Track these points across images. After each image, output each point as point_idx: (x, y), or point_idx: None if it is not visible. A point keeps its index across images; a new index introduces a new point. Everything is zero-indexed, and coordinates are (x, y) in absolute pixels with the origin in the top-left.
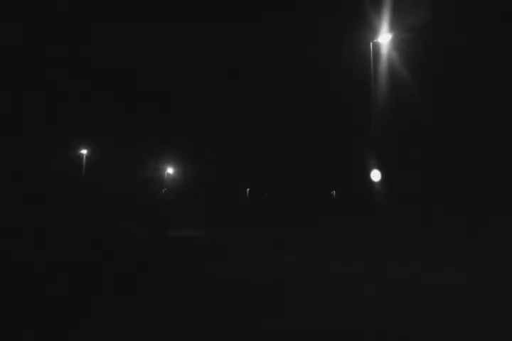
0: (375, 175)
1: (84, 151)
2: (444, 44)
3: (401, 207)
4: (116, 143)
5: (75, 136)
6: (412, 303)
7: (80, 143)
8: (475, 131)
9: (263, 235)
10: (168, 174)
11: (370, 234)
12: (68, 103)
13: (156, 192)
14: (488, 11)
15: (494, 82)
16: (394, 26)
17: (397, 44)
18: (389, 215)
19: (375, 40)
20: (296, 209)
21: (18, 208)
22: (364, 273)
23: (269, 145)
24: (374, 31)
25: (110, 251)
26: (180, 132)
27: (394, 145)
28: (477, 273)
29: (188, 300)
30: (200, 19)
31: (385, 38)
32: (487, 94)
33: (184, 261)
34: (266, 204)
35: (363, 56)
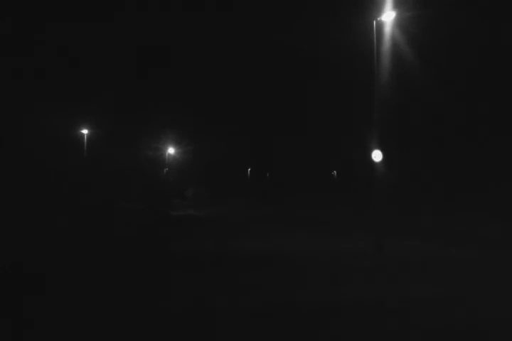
0: (377, 156)
1: (85, 131)
2: (449, 21)
3: (401, 185)
4: (117, 123)
5: (76, 115)
6: (409, 275)
7: (80, 122)
8: (478, 111)
9: (264, 216)
10: (169, 154)
11: (368, 212)
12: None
13: (158, 172)
14: None
15: (498, 61)
16: (398, 4)
17: (401, 22)
18: (389, 194)
19: (378, 19)
20: (296, 189)
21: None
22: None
23: (269, 124)
24: (378, 9)
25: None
26: (181, 110)
27: (395, 124)
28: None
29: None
30: None
31: (388, 16)
32: (491, 73)
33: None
34: (266, 185)
35: (367, 33)
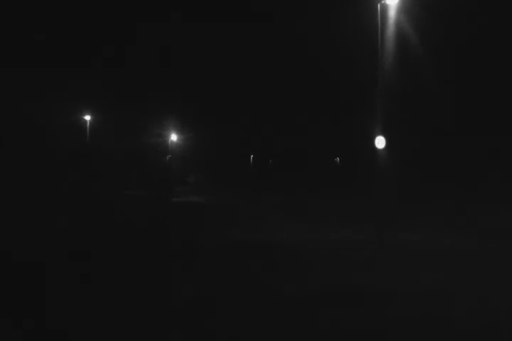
0: (380, 142)
1: (87, 117)
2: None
3: (402, 172)
4: (120, 110)
5: (78, 101)
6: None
7: (82, 108)
8: (483, 99)
9: (264, 204)
10: (172, 141)
11: (371, 200)
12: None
13: (160, 158)
14: None
15: (504, 44)
16: None
17: (406, 5)
18: (391, 182)
19: (382, 2)
20: (298, 176)
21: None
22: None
23: (272, 110)
24: None
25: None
26: (184, 98)
27: (398, 110)
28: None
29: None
30: None
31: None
32: (496, 57)
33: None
34: (269, 172)
35: (371, 16)
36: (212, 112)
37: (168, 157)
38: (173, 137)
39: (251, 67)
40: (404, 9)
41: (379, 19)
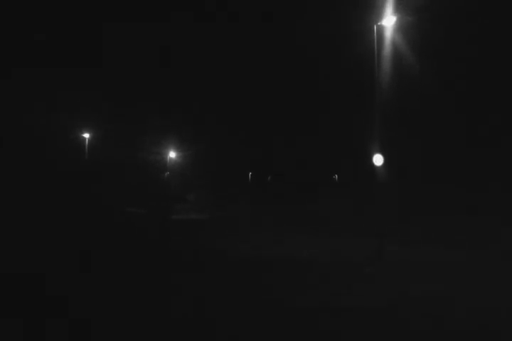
0: (378, 160)
1: (86, 135)
2: (449, 25)
3: (402, 189)
4: (118, 128)
5: (75, 119)
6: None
7: (81, 126)
8: (480, 114)
9: (263, 221)
10: (170, 158)
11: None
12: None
13: (159, 176)
14: None
15: (499, 63)
16: (398, 8)
17: (402, 26)
18: (390, 198)
19: (379, 23)
20: (297, 194)
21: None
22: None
23: (269, 128)
24: (378, 14)
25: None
26: (182, 115)
27: (395, 127)
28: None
29: None
30: None
31: (389, 21)
32: (491, 76)
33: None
34: (267, 189)
35: (367, 37)
36: (210, 121)
37: (166, 174)
38: (172, 154)
39: (250, 68)
40: (400, 30)
41: (375, 40)
